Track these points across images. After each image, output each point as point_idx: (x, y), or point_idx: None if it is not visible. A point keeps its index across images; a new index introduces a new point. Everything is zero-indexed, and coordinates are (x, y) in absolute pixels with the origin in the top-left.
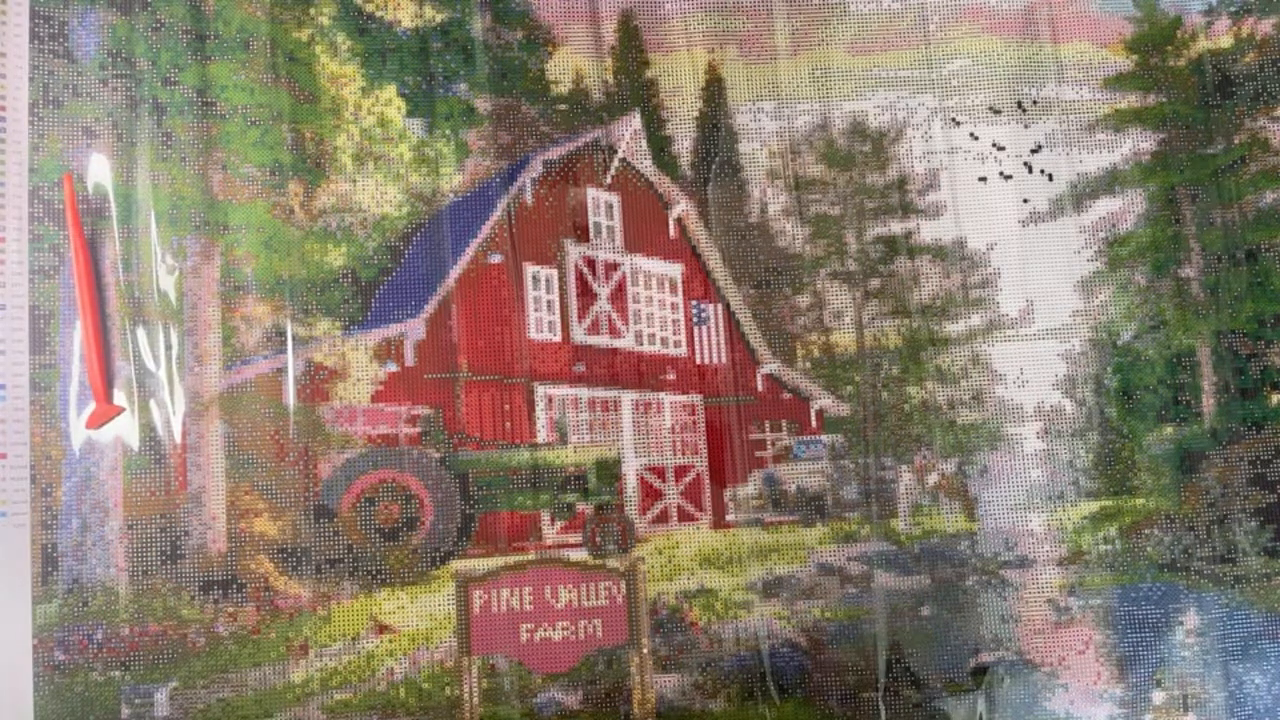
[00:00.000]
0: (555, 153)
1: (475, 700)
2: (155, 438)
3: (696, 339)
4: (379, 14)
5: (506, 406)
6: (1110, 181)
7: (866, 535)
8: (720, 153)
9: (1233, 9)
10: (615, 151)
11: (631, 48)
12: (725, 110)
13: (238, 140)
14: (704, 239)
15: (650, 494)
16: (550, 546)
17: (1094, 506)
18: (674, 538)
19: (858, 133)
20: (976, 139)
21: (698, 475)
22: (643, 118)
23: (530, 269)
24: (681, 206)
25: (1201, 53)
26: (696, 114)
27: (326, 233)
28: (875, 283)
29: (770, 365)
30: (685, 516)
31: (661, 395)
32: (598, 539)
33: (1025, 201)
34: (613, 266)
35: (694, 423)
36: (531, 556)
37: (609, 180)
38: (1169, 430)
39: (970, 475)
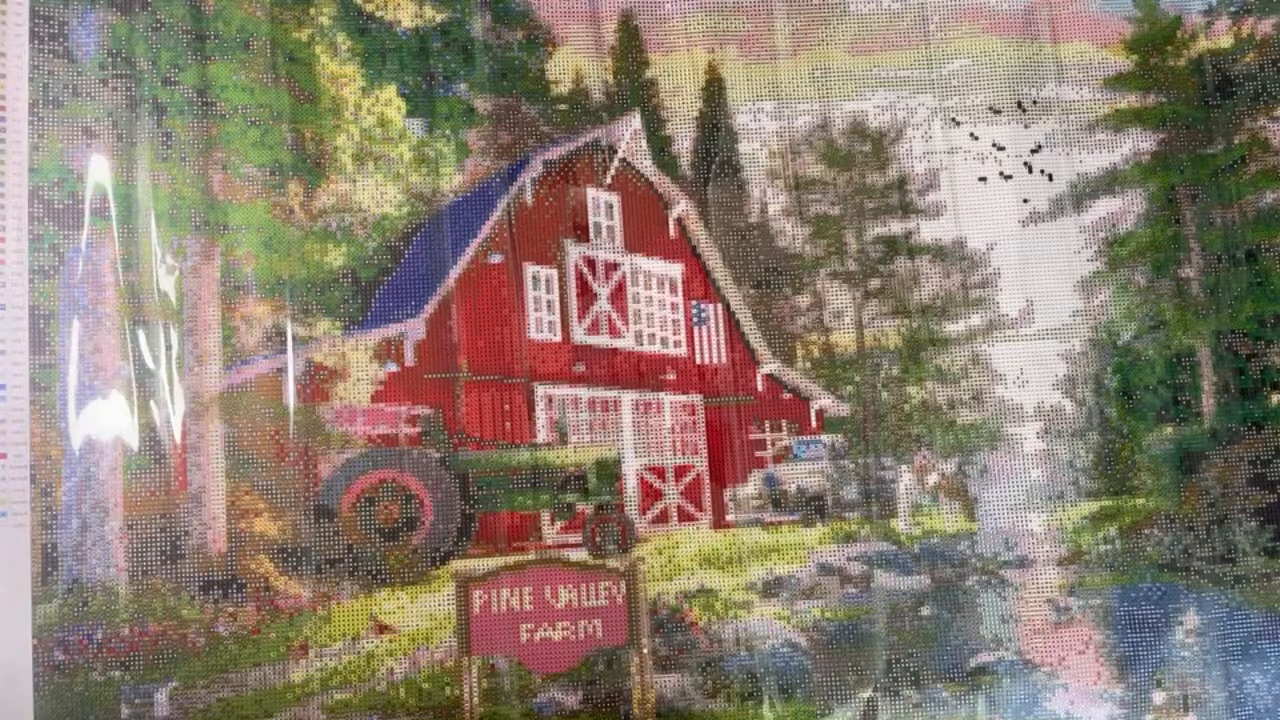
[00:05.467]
0: (555, 153)
1: (475, 700)
2: (155, 438)
3: (696, 339)
4: (379, 14)
5: (506, 406)
6: (1110, 181)
7: (866, 535)
8: (720, 153)
9: (1233, 9)
10: (615, 151)
11: (631, 48)
12: (725, 110)
13: (238, 140)
14: (704, 239)
15: (650, 494)
16: (550, 546)
17: (1094, 506)
18: (674, 538)
19: (858, 133)
20: (976, 139)
21: (698, 475)
22: (643, 118)
23: (530, 269)
24: (681, 206)
25: (1201, 53)
26: (696, 114)
27: (326, 233)
28: (875, 283)
29: (770, 365)
30: (685, 516)
31: (661, 395)
32: (598, 539)
33: (1025, 201)
34: (613, 266)
35: (694, 423)
36: (531, 556)
37: (609, 180)
38: (1169, 430)
39: (970, 475)
